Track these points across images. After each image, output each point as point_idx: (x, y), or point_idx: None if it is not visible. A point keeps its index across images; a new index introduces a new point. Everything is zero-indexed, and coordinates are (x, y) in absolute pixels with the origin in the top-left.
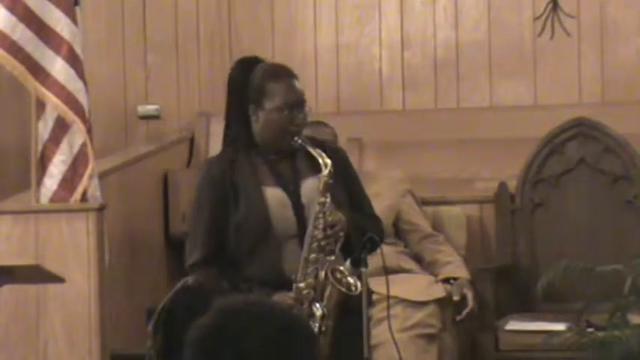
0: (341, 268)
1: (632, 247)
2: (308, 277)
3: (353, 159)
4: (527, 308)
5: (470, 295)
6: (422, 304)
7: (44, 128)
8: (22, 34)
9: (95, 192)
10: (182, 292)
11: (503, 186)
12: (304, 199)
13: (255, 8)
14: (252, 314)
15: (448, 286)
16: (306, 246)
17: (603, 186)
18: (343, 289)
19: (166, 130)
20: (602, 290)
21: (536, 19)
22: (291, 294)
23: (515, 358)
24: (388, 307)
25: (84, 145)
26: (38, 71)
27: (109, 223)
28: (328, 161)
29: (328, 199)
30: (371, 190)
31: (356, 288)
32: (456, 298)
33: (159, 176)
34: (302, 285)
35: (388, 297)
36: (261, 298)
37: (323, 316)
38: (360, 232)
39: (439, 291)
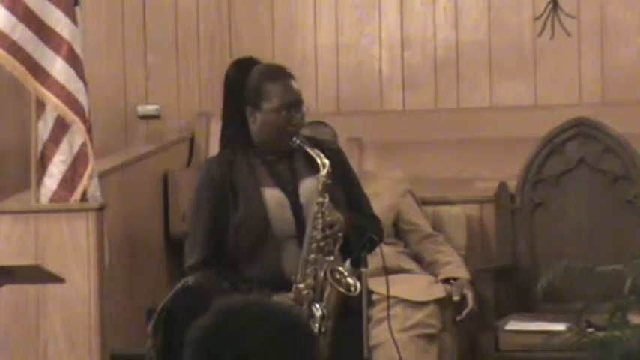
0: (340, 268)
1: (632, 247)
2: (307, 277)
3: (353, 159)
4: (527, 308)
5: (470, 295)
6: (422, 304)
7: (44, 128)
8: (22, 34)
9: (95, 192)
10: (182, 292)
11: (503, 186)
12: (303, 200)
13: (255, 8)
14: (252, 314)
15: (448, 286)
16: (305, 246)
17: (603, 186)
18: (342, 290)
19: (166, 130)
20: (602, 290)
21: (536, 19)
22: (291, 294)
23: (515, 358)
24: (388, 307)
25: (84, 145)
26: (38, 71)
27: (109, 223)
28: (326, 161)
29: (327, 200)
30: (371, 190)
31: (355, 288)
32: (456, 298)
33: (159, 176)
34: (301, 285)
35: (388, 297)
36: (261, 298)
37: (323, 317)
38: (359, 232)
39: (439, 291)
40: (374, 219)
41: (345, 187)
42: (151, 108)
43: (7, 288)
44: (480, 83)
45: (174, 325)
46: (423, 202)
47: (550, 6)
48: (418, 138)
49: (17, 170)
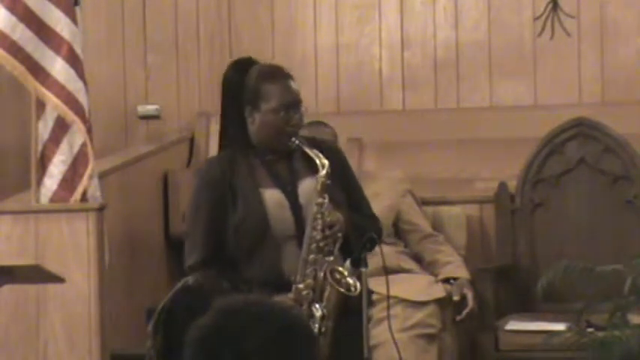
0: (340, 268)
1: (632, 247)
2: (307, 278)
3: (353, 159)
4: (527, 308)
5: (470, 295)
6: (422, 304)
7: (44, 128)
8: (22, 34)
9: (95, 192)
10: (182, 292)
11: (503, 186)
12: (302, 200)
13: (255, 8)
14: (252, 314)
15: (448, 286)
16: (304, 247)
17: (603, 186)
18: (342, 290)
19: (166, 130)
20: (602, 290)
21: (536, 19)
22: (291, 295)
23: (515, 358)
24: (388, 307)
25: (84, 145)
26: (38, 71)
27: (109, 223)
28: (325, 162)
29: (326, 200)
30: (371, 190)
31: (355, 289)
32: (456, 298)
33: (159, 176)
34: (301, 286)
35: (388, 297)
36: (261, 298)
37: (323, 317)
38: (359, 231)
39: (439, 291)
40: (373, 218)
41: (344, 186)
42: (151, 108)
43: (7, 288)
44: (480, 83)
45: (174, 325)
46: (423, 202)
47: (550, 6)
48: (418, 138)
49: (17, 170)
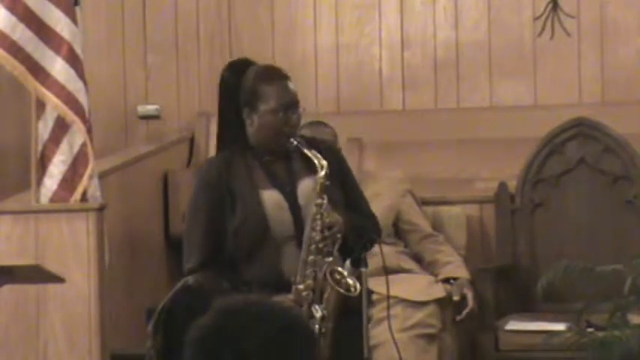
0: (340, 269)
1: (632, 247)
2: (307, 278)
3: (353, 159)
4: (527, 308)
5: (470, 295)
6: (422, 304)
7: (44, 128)
8: (22, 34)
9: (95, 192)
10: (182, 292)
11: (503, 186)
12: (301, 201)
13: (255, 8)
14: (252, 314)
15: (448, 286)
16: (304, 248)
17: (603, 186)
18: (342, 291)
19: (166, 130)
20: (602, 290)
21: (536, 19)
22: (291, 296)
23: (515, 358)
24: (388, 307)
25: (84, 145)
26: (38, 71)
27: (109, 223)
28: (324, 162)
29: (325, 201)
30: (371, 190)
31: (355, 289)
32: (456, 298)
33: (159, 176)
34: (301, 287)
35: (388, 297)
36: (261, 298)
37: (323, 318)
38: (358, 232)
39: (439, 291)
40: (371, 217)
41: (343, 185)
42: (151, 108)
43: (7, 288)
44: (480, 83)
45: (174, 325)
46: (423, 202)
47: (550, 6)
48: (418, 138)
49: (17, 170)
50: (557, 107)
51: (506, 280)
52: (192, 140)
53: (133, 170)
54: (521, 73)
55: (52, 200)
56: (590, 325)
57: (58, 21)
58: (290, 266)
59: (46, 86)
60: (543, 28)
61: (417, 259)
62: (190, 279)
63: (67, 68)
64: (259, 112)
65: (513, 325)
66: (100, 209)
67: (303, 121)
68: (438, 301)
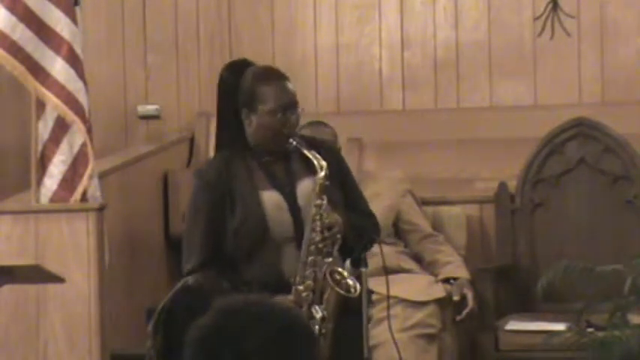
0: (340, 269)
1: (632, 247)
2: (307, 279)
3: (353, 159)
4: (527, 308)
5: (470, 295)
6: (422, 304)
7: (44, 128)
8: (22, 34)
9: (95, 192)
10: (182, 292)
11: (503, 186)
12: (300, 201)
13: (255, 8)
14: (252, 314)
15: (448, 286)
16: (303, 249)
17: (603, 186)
18: (342, 292)
19: (166, 130)
20: (602, 290)
21: (536, 19)
22: (291, 297)
23: (515, 358)
24: (388, 307)
25: (84, 145)
26: (38, 71)
27: (109, 223)
28: (324, 163)
29: (325, 202)
30: (371, 190)
31: (355, 290)
32: (456, 298)
33: (159, 176)
34: (301, 288)
35: (388, 297)
36: (261, 298)
37: (323, 319)
38: (357, 232)
39: (439, 291)
40: (370, 216)
41: (342, 185)
42: (151, 108)
43: (7, 288)
44: (480, 83)
45: (174, 325)
46: (423, 202)
47: (550, 6)
48: (418, 138)
49: (17, 170)
50: (557, 107)
51: (506, 280)
52: (192, 140)
53: (133, 170)
54: (521, 73)
55: (52, 200)
56: (590, 325)
57: (58, 21)
58: (290, 267)
59: (46, 86)
60: (543, 28)
61: (417, 259)
62: (190, 279)
63: (67, 68)
64: (258, 113)
65: (513, 325)
66: (100, 209)
67: (302, 121)
68: (438, 301)
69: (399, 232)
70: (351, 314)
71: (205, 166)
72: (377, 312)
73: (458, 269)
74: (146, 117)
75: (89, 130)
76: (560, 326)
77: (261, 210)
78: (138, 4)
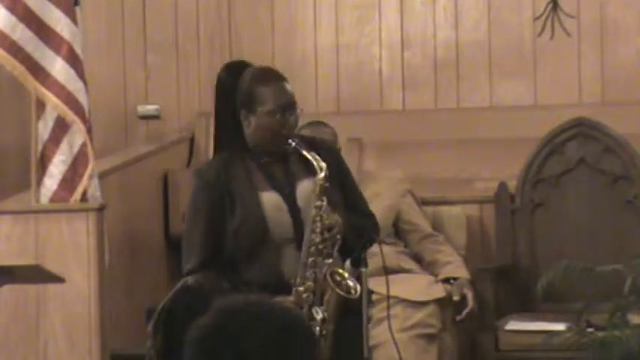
0: (340, 270)
1: (632, 247)
2: (307, 280)
3: (353, 159)
4: (527, 308)
5: (470, 295)
6: (422, 304)
7: (44, 128)
8: (22, 34)
9: (95, 192)
10: (182, 292)
11: (503, 186)
12: (300, 202)
13: (255, 8)
14: (252, 314)
15: (448, 286)
16: (304, 250)
17: (603, 186)
18: (342, 293)
19: (166, 130)
20: (602, 290)
21: (536, 19)
22: (291, 298)
23: (515, 358)
24: (388, 307)
25: (84, 145)
26: (38, 71)
27: (109, 223)
28: (323, 164)
29: (324, 203)
30: (371, 190)
31: (355, 291)
32: (456, 298)
33: (159, 176)
34: (301, 289)
35: (388, 297)
36: (261, 298)
37: (323, 320)
38: (357, 232)
39: (439, 291)
40: (370, 216)
41: (341, 185)
42: (151, 108)
43: (7, 288)
44: (480, 83)
45: (174, 325)
46: (423, 202)
47: (550, 6)
48: (418, 138)
49: (17, 170)
50: (557, 107)
51: (506, 280)
52: (192, 140)
53: (133, 170)
54: (521, 73)
55: (52, 200)
56: (590, 325)
57: (58, 21)
58: (290, 268)
59: (46, 86)
60: (543, 28)
61: (417, 259)
62: (190, 279)
63: (67, 68)
64: (257, 114)
65: (513, 325)
66: (100, 209)
67: (301, 122)
68: (438, 301)
69: (399, 232)
70: (351, 314)
71: (205, 166)
72: (377, 312)
73: (458, 269)
74: (146, 117)
75: (89, 130)
76: (560, 326)
77: (261, 211)
78: (138, 4)
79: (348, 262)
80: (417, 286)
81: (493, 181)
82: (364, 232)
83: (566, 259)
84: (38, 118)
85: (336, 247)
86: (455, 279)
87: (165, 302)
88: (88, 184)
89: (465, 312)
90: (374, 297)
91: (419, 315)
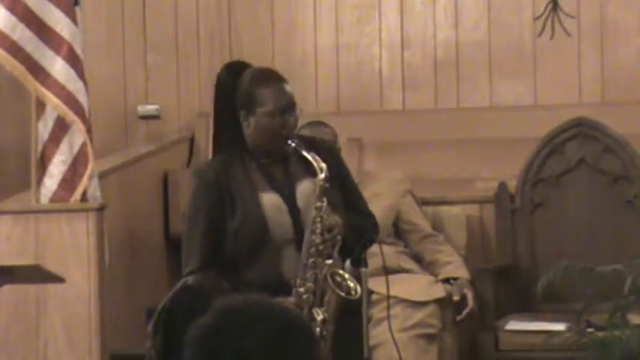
0: (340, 271)
1: (632, 247)
2: (307, 281)
3: (353, 159)
4: (527, 308)
5: (470, 295)
6: (422, 304)
7: (44, 128)
8: (22, 34)
9: (95, 192)
10: (182, 292)
11: (503, 186)
12: (300, 203)
13: (255, 8)
14: (252, 314)
15: (448, 286)
16: (304, 251)
17: (603, 186)
18: (343, 294)
19: (166, 130)
20: (602, 290)
21: (536, 19)
22: (292, 299)
23: (515, 358)
24: (388, 307)
25: (84, 145)
26: (38, 71)
27: (109, 223)
28: (323, 165)
29: (324, 203)
30: (371, 190)
31: (356, 292)
32: (456, 298)
33: (159, 176)
34: (302, 290)
35: (388, 297)
36: (261, 298)
37: (324, 321)
38: (357, 232)
39: (439, 291)
40: (369, 216)
41: (341, 186)
42: (151, 108)
43: (7, 288)
44: (480, 83)
45: (174, 325)
46: (423, 202)
47: (550, 6)
48: (418, 138)
49: (17, 170)
50: (557, 107)
51: (506, 280)
52: (192, 140)
53: (133, 170)
54: (521, 73)
55: (52, 200)
56: (590, 325)
57: (58, 21)
58: (290, 268)
59: (46, 86)
60: (543, 28)
61: (417, 259)
62: (190, 279)
63: (67, 68)
64: (256, 115)
65: (513, 325)
66: (100, 209)
67: (301, 122)
68: (438, 301)
69: (399, 232)
70: (351, 314)
71: (204, 167)
72: (377, 312)
73: (458, 269)
74: (146, 117)
75: (89, 130)
76: (560, 326)
77: (261, 212)
78: (138, 4)
79: (348, 262)
80: (417, 286)
81: (493, 181)
82: (364, 232)
83: (566, 259)
84: (38, 118)
85: (337, 248)
86: (455, 279)
87: (165, 302)
88: (88, 184)
89: (465, 312)
90: (374, 297)
91: (419, 315)
